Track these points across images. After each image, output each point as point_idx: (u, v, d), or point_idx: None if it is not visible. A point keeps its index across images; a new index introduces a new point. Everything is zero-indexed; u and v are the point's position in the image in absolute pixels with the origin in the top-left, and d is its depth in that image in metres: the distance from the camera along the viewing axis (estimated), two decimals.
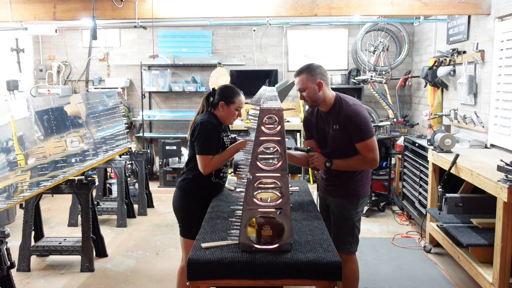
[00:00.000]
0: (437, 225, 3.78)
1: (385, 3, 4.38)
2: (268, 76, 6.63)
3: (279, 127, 1.86)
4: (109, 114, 4.87)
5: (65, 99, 4.12)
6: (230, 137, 2.78)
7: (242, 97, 2.77)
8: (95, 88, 6.93)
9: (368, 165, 2.61)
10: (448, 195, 3.70)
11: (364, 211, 5.02)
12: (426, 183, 4.24)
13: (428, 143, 4.28)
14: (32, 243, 3.84)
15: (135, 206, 5.38)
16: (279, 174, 1.87)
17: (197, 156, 2.61)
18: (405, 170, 5.01)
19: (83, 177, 3.85)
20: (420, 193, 4.48)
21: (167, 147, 6.45)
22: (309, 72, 2.57)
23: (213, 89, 2.80)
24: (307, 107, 2.76)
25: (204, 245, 1.93)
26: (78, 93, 6.51)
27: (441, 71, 4.90)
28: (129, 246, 4.35)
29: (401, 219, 5.03)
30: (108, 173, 5.88)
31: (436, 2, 4.35)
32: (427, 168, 4.22)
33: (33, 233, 3.86)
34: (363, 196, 2.70)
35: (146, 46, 7.03)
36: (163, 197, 6.12)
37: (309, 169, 6.49)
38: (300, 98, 2.72)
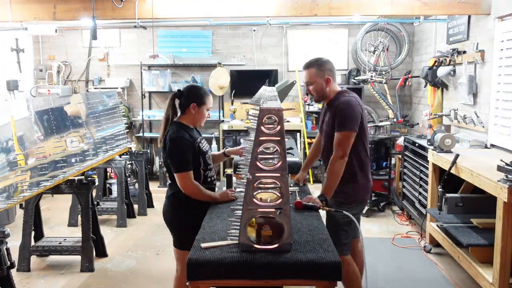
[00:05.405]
0: (437, 225, 3.78)
1: (385, 3, 4.37)
2: (268, 76, 6.61)
3: (279, 127, 1.85)
4: (109, 114, 4.87)
5: (65, 99, 4.13)
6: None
7: (211, 96, 2.70)
8: (95, 88, 6.93)
9: (338, 166, 2.45)
10: (448, 195, 3.70)
11: (364, 211, 5.02)
12: (426, 183, 4.24)
13: (428, 143, 4.28)
14: (32, 243, 3.84)
15: (135, 206, 5.37)
16: (279, 174, 1.87)
17: (175, 175, 2.52)
18: (405, 170, 5.01)
19: (83, 177, 3.84)
20: (420, 193, 4.48)
21: None
22: (319, 67, 2.53)
23: (179, 90, 2.65)
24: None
25: (203, 245, 1.93)
26: (78, 93, 6.51)
27: (441, 71, 4.89)
28: (129, 246, 4.35)
29: (401, 219, 5.03)
30: (108, 173, 5.87)
31: (436, 2, 4.35)
32: (427, 168, 4.21)
33: (33, 233, 3.85)
34: (353, 201, 2.63)
35: (146, 46, 7.02)
36: (163, 197, 6.08)
37: (309, 169, 6.48)
38: (306, 92, 2.69)
